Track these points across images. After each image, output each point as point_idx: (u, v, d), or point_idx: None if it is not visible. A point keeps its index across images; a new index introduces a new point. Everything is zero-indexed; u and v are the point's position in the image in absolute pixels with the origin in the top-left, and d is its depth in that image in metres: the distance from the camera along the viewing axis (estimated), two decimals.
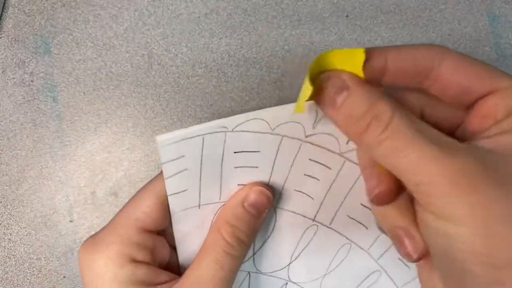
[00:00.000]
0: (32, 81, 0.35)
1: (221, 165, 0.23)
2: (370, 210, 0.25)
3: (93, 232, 0.34)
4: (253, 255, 0.27)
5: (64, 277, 0.34)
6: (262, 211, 0.24)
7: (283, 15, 0.35)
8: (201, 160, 0.23)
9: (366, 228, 0.26)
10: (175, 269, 0.26)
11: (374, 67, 0.20)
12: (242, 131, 0.22)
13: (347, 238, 0.27)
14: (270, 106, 0.22)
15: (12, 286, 0.34)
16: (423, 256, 0.21)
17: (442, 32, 0.35)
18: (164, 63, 0.35)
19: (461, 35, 0.35)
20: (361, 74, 0.20)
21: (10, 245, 0.35)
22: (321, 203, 0.26)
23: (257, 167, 0.24)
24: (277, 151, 0.24)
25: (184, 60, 0.35)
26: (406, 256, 0.21)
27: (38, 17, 0.35)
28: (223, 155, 0.23)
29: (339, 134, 0.23)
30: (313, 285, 0.28)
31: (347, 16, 0.35)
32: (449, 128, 0.22)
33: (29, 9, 0.36)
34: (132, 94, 0.35)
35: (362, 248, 0.27)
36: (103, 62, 0.35)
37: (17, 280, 0.34)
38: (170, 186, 0.23)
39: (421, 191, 0.18)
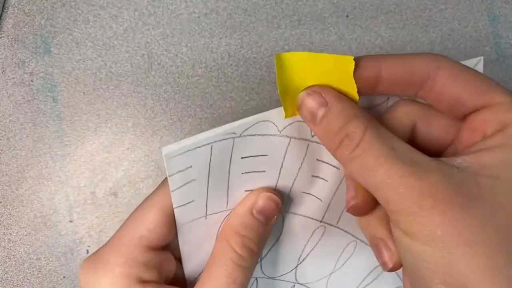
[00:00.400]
0: (32, 81, 0.35)
1: (229, 172, 0.23)
2: None
3: (93, 232, 0.34)
4: (261, 260, 0.26)
5: (64, 277, 0.34)
6: (271, 217, 0.23)
7: (283, 15, 0.35)
8: (209, 169, 0.22)
9: None
10: (182, 281, 0.25)
11: (368, 77, 0.20)
12: (250, 135, 0.22)
13: (353, 236, 0.27)
14: (270, 106, 0.22)
15: (12, 286, 0.34)
16: (398, 267, 0.21)
17: (442, 32, 0.35)
18: (164, 63, 0.35)
19: (461, 35, 0.35)
20: (352, 82, 0.20)
21: (10, 245, 0.35)
22: (329, 204, 0.25)
23: (264, 171, 0.23)
24: (285, 153, 0.23)
25: (184, 60, 0.35)
26: (383, 264, 0.22)
27: (38, 17, 0.35)
28: (230, 161, 0.22)
29: None
30: (320, 284, 0.27)
31: (347, 16, 0.35)
32: (444, 141, 0.22)
33: (29, 9, 0.36)
34: (132, 94, 0.35)
35: (367, 244, 0.27)
36: (103, 62, 0.35)
37: (17, 280, 0.34)
38: (177, 198, 0.22)
39: (390, 208, 0.18)
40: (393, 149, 0.19)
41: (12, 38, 0.35)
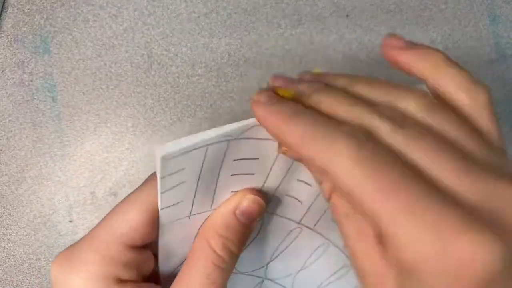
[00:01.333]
0: (31, 81, 0.35)
1: (218, 173, 0.22)
2: None
3: None
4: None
5: None
6: (254, 220, 0.23)
7: (283, 15, 0.35)
8: (201, 171, 0.21)
9: None
10: (158, 276, 0.25)
11: None
12: (245, 138, 0.21)
13: (326, 238, 0.27)
14: None
15: (12, 287, 0.34)
16: None
17: (443, 31, 0.35)
18: (164, 62, 0.35)
19: (462, 35, 0.35)
20: None
21: (9, 245, 0.35)
22: (309, 207, 0.25)
23: (253, 173, 0.23)
24: (276, 158, 0.23)
25: (184, 60, 0.35)
26: None
27: (37, 17, 0.35)
28: (222, 163, 0.22)
29: None
30: (287, 280, 0.28)
31: (347, 16, 0.35)
32: None
33: (28, 9, 0.35)
34: (132, 94, 0.35)
35: (337, 247, 0.28)
36: (102, 61, 0.35)
37: (16, 280, 0.34)
38: (164, 200, 0.21)
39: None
40: None
41: (11, 38, 0.35)
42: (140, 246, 0.23)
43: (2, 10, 0.35)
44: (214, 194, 0.23)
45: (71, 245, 0.23)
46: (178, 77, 0.35)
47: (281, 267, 0.27)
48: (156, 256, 0.24)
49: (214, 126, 0.20)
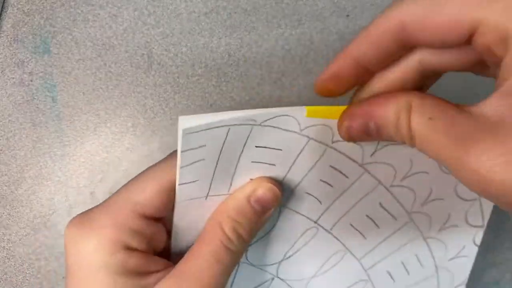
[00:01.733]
0: (31, 81, 0.35)
1: (239, 157, 0.22)
2: (374, 222, 0.26)
3: None
4: (248, 246, 0.26)
5: (63, 277, 0.34)
6: (268, 209, 0.23)
7: (283, 15, 0.35)
8: (221, 151, 0.21)
9: (365, 238, 0.27)
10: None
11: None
12: (270, 126, 0.21)
13: (343, 245, 0.27)
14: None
15: (12, 287, 0.34)
16: None
17: None
18: (164, 62, 0.35)
19: None
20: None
21: (9, 245, 0.35)
22: (328, 208, 0.25)
23: (274, 164, 0.23)
24: (300, 152, 0.23)
25: (184, 60, 0.35)
26: None
27: (37, 17, 0.35)
28: (244, 147, 0.22)
29: (366, 144, 0.23)
30: (298, 284, 0.27)
31: (347, 16, 0.35)
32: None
33: (28, 9, 0.35)
34: (132, 94, 0.35)
35: (355, 257, 0.27)
36: (102, 62, 0.35)
37: (16, 280, 0.34)
38: (183, 175, 0.22)
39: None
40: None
41: (11, 38, 0.35)
42: (153, 218, 0.23)
43: (2, 10, 0.35)
44: (233, 178, 0.23)
45: (88, 209, 0.23)
46: (178, 77, 0.35)
47: (295, 268, 0.27)
48: (169, 233, 0.24)
49: None
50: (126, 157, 0.35)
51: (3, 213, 0.35)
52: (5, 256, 0.34)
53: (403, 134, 0.19)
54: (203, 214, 0.24)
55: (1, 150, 0.35)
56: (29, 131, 0.35)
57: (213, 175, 0.22)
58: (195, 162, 0.21)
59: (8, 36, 0.35)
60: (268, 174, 0.23)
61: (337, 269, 0.27)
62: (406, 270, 0.28)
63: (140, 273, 0.22)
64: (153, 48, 0.35)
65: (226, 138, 0.21)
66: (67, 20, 0.35)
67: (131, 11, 0.35)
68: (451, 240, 0.28)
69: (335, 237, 0.26)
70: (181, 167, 0.21)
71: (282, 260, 0.27)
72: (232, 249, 0.22)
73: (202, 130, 0.20)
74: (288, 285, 0.27)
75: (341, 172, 0.24)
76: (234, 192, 0.23)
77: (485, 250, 0.34)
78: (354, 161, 0.24)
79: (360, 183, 0.25)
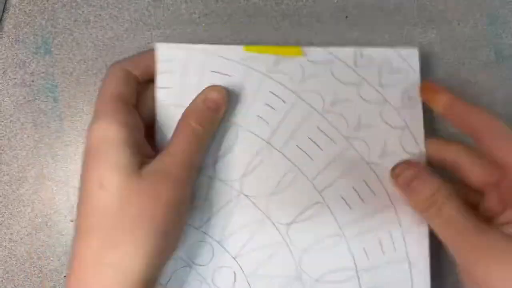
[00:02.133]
0: (32, 81, 0.35)
1: (199, 79, 0.31)
2: (317, 145, 0.31)
3: None
4: (215, 163, 0.31)
5: (65, 276, 0.34)
6: (219, 107, 0.30)
7: (283, 15, 0.35)
8: (186, 69, 0.31)
9: (312, 160, 0.31)
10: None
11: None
12: (219, 56, 0.31)
13: (294, 165, 0.31)
14: None
15: (13, 286, 0.34)
16: None
17: (442, 32, 0.35)
18: None
19: (461, 36, 0.35)
20: None
21: (10, 244, 0.35)
22: (275, 130, 0.31)
23: (226, 88, 0.31)
24: (244, 80, 0.31)
25: None
26: None
27: (38, 18, 0.36)
28: (202, 70, 0.31)
29: (293, 72, 0.32)
30: (261, 201, 0.31)
31: (346, 17, 0.35)
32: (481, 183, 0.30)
33: (29, 10, 0.36)
34: None
35: (307, 177, 0.31)
36: (103, 62, 0.35)
37: (17, 279, 0.35)
38: (160, 80, 0.31)
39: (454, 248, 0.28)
40: (465, 215, 0.27)
41: (13, 39, 0.36)
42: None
43: (3, 11, 0.36)
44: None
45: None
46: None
47: (254, 186, 0.31)
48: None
49: None
50: None
51: (5, 212, 0.35)
52: (7, 255, 0.35)
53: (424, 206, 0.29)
54: (176, 122, 0.30)
55: (2, 150, 0.35)
56: (31, 131, 0.35)
57: (180, 88, 0.31)
58: (167, 72, 0.31)
59: (10, 37, 0.36)
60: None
61: (292, 188, 0.31)
62: (360, 197, 0.31)
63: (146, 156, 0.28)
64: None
65: (188, 59, 0.31)
66: (69, 21, 0.36)
67: (132, 12, 0.36)
68: None
69: (285, 156, 0.31)
70: (159, 74, 0.31)
71: (243, 176, 0.31)
72: (199, 134, 0.29)
73: (172, 49, 0.31)
74: (252, 202, 0.31)
75: (279, 97, 0.31)
76: (194, 98, 0.30)
77: None
78: (287, 88, 0.32)
79: (297, 108, 0.31)
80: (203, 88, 0.30)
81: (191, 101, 0.30)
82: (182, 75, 0.31)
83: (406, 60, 0.32)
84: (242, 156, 0.31)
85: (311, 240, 0.31)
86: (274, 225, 0.31)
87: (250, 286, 0.31)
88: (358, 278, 0.31)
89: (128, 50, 0.35)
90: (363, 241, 0.31)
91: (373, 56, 0.32)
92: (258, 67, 0.32)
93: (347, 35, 0.35)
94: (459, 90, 0.34)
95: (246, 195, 0.31)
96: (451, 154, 0.30)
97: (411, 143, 0.31)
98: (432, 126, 0.34)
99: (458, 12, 0.35)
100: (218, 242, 0.31)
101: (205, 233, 0.31)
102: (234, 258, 0.31)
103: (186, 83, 0.31)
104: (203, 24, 0.35)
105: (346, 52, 0.32)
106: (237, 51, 0.31)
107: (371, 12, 0.35)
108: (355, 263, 0.31)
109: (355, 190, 0.31)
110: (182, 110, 0.30)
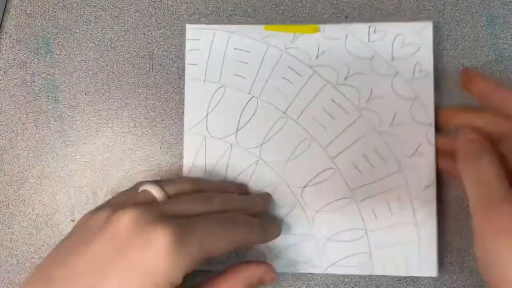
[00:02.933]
0: (33, 81, 0.35)
1: (224, 55, 0.34)
2: (330, 115, 0.34)
3: None
4: (236, 131, 0.34)
5: None
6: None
7: (283, 16, 0.35)
8: (211, 47, 0.34)
9: (325, 129, 0.33)
10: None
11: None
12: (241, 35, 0.34)
13: (309, 134, 0.34)
14: None
15: (14, 286, 0.35)
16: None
17: (441, 32, 0.35)
18: (165, 63, 0.35)
19: (460, 36, 0.35)
20: None
21: (11, 244, 0.35)
22: (292, 101, 0.34)
23: (247, 63, 0.34)
24: (264, 55, 0.34)
25: (185, 61, 0.35)
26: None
27: (39, 18, 0.36)
28: (226, 48, 0.34)
29: (310, 48, 0.34)
30: (278, 166, 0.34)
31: (346, 17, 0.35)
32: None
33: (30, 10, 0.36)
34: (133, 95, 0.35)
35: (320, 145, 0.33)
36: (104, 62, 0.35)
37: (18, 279, 0.35)
38: (188, 56, 0.34)
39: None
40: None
41: (13, 39, 0.36)
42: None
43: (4, 11, 0.36)
44: (221, 70, 0.34)
45: None
46: (179, 78, 0.35)
47: (273, 152, 0.34)
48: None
49: None
50: (127, 157, 0.35)
51: (6, 212, 0.35)
52: (8, 255, 0.35)
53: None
54: (203, 96, 0.34)
55: (4, 150, 0.35)
56: (32, 131, 0.35)
57: (207, 64, 0.34)
58: (195, 49, 0.34)
59: (11, 37, 0.36)
60: (245, 71, 0.34)
61: (306, 155, 0.34)
62: (370, 163, 0.33)
63: None
64: (154, 49, 0.35)
65: (214, 38, 0.34)
66: (69, 21, 0.36)
67: (133, 13, 0.36)
68: (404, 136, 0.33)
69: (301, 126, 0.34)
70: (187, 51, 0.34)
71: (262, 144, 0.34)
72: None
73: (199, 29, 0.34)
74: (270, 167, 0.34)
75: (296, 72, 0.34)
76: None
77: None
78: (303, 63, 0.34)
79: (313, 81, 0.34)
80: (227, 63, 0.34)
81: (215, 75, 0.34)
82: (208, 52, 0.34)
83: (420, 34, 0.33)
84: (261, 125, 0.34)
85: (324, 202, 0.33)
86: (290, 188, 0.34)
87: (267, 243, 0.33)
88: (368, 237, 0.33)
89: (128, 50, 0.35)
90: (372, 204, 0.33)
91: (387, 30, 0.34)
92: (277, 43, 0.34)
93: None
94: (459, 89, 0.34)
95: (265, 161, 0.34)
96: (463, 121, 0.31)
97: (422, 113, 0.33)
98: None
99: (456, 13, 0.35)
100: None
101: None
102: None
103: (212, 60, 0.34)
104: (204, 24, 0.35)
105: (361, 28, 0.34)
106: (258, 29, 0.34)
107: (371, 12, 0.35)
108: (364, 224, 0.33)
109: (366, 156, 0.33)
110: (208, 85, 0.34)
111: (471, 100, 0.33)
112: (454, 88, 0.34)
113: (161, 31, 0.35)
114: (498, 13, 0.35)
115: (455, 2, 0.35)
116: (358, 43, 0.34)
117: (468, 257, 0.33)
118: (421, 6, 0.35)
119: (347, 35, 0.34)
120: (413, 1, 0.35)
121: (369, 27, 0.34)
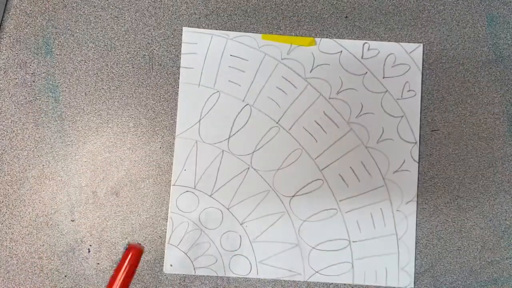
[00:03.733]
0: (33, 81, 0.35)
1: (220, 60, 0.34)
2: (322, 128, 0.34)
3: (94, 232, 0.35)
4: (229, 138, 0.34)
5: (65, 276, 0.35)
6: None
7: (283, 16, 0.35)
8: (207, 52, 0.34)
9: (316, 141, 0.34)
10: None
11: None
12: (238, 42, 0.34)
13: (300, 144, 0.34)
14: None
15: (14, 285, 0.35)
16: None
17: (441, 32, 0.35)
18: (165, 63, 0.35)
19: (460, 36, 0.35)
20: None
21: (12, 244, 0.35)
22: (285, 112, 0.34)
23: (244, 71, 0.34)
24: (260, 64, 0.34)
25: None
26: None
27: (39, 18, 0.36)
28: (222, 54, 0.34)
29: (305, 61, 0.35)
30: (268, 174, 0.34)
31: (346, 17, 0.35)
32: None
33: (30, 10, 0.36)
34: (133, 95, 0.35)
35: (310, 157, 0.34)
36: (104, 62, 0.35)
37: (18, 279, 0.35)
38: (184, 60, 0.34)
39: None
40: None
41: (14, 39, 0.36)
42: None
43: (4, 12, 0.36)
44: (216, 76, 0.34)
45: None
46: (179, 78, 0.35)
47: (264, 161, 0.34)
48: None
49: None
50: (127, 156, 0.35)
51: (6, 212, 0.35)
52: (8, 255, 0.35)
53: None
54: (197, 100, 0.34)
55: (4, 150, 0.35)
56: (32, 131, 0.35)
57: (202, 68, 0.34)
58: (191, 53, 0.34)
59: (11, 38, 0.36)
60: (240, 78, 0.34)
61: (296, 165, 0.34)
62: (356, 176, 0.35)
63: None
64: (154, 49, 0.35)
65: (211, 43, 0.35)
66: (69, 21, 0.36)
67: (133, 13, 0.36)
68: (391, 152, 0.34)
69: (292, 136, 0.34)
70: (183, 54, 0.34)
71: (253, 152, 0.34)
72: None
73: (196, 33, 0.35)
74: (260, 175, 0.34)
75: (290, 83, 0.34)
76: None
77: (483, 248, 0.35)
78: (299, 75, 0.35)
79: (306, 94, 0.34)
80: (223, 69, 0.34)
81: (211, 80, 0.34)
82: (204, 57, 0.34)
83: (410, 55, 0.35)
84: (253, 133, 0.34)
85: (311, 212, 0.34)
86: (278, 196, 0.35)
87: (254, 250, 0.34)
88: (351, 248, 0.34)
89: (128, 50, 0.35)
90: (357, 216, 0.34)
91: (380, 49, 0.35)
92: (274, 53, 0.34)
93: (346, 35, 0.35)
94: (459, 90, 0.34)
95: (255, 169, 0.34)
96: None
97: (408, 131, 0.34)
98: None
99: (456, 13, 0.35)
100: (227, 209, 0.34)
101: (216, 200, 0.34)
102: (241, 224, 0.34)
103: (207, 64, 0.34)
104: (203, 25, 0.35)
105: (355, 45, 0.35)
106: (255, 38, 0.34)
107: (371, 12, 0.35)
108: (348, 235, 0.34)
109: (353, 170, 0.35)
110: (202, 89, 0.34)
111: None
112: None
113: (161, 31, 0.35)
114: (498, 13, 0.35)
115: (455, 2, 0.35)
116: (352, 59, 0.35)
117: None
118: (421, 6, 0.35)
119: (341, 51, 0.35)
120: (414, 1, 0.35)
121: (363, 44, 0.35)
